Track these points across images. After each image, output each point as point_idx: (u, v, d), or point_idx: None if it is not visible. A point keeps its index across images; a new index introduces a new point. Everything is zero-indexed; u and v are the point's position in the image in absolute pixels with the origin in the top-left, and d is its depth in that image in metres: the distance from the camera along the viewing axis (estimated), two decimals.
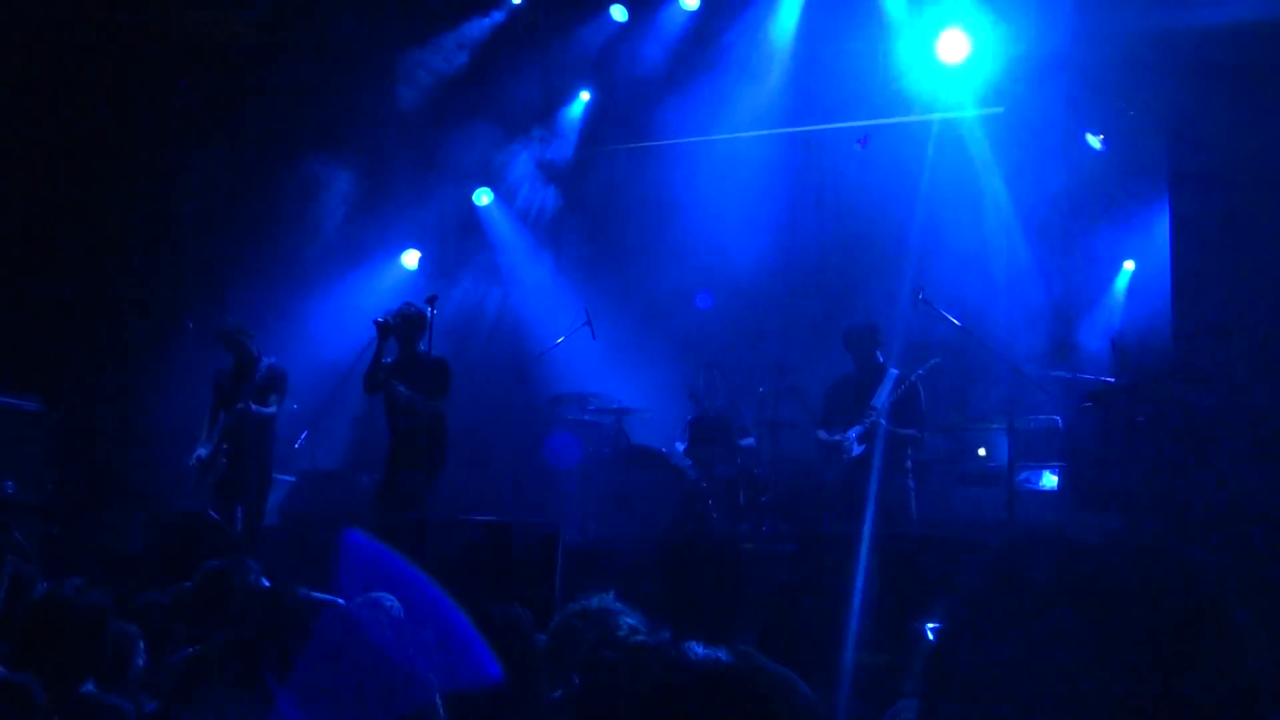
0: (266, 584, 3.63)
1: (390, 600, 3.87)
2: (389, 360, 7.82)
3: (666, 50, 10.56)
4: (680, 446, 9.28)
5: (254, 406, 7.91)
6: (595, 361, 9.99)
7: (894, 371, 7.69)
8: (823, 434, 7.98)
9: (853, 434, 7.68)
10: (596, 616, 3.18)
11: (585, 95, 11.15)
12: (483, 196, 11.34)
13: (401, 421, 7.72)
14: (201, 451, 8.00)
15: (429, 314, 7.92)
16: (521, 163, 11.22)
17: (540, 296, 11.10)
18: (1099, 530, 1.02)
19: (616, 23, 10.73)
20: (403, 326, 7.76)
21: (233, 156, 9.68)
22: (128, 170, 8.93)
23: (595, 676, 2.68)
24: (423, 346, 7.86)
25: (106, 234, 8.86)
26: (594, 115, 11.28)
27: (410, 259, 11.02)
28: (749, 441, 9.19)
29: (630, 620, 3.06)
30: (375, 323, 7.75)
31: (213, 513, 7.10)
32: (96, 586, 2.84)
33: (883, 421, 7.58)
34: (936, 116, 10.06)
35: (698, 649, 2.76)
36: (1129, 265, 9.05)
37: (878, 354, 7.79)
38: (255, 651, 1.91)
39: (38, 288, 8.44)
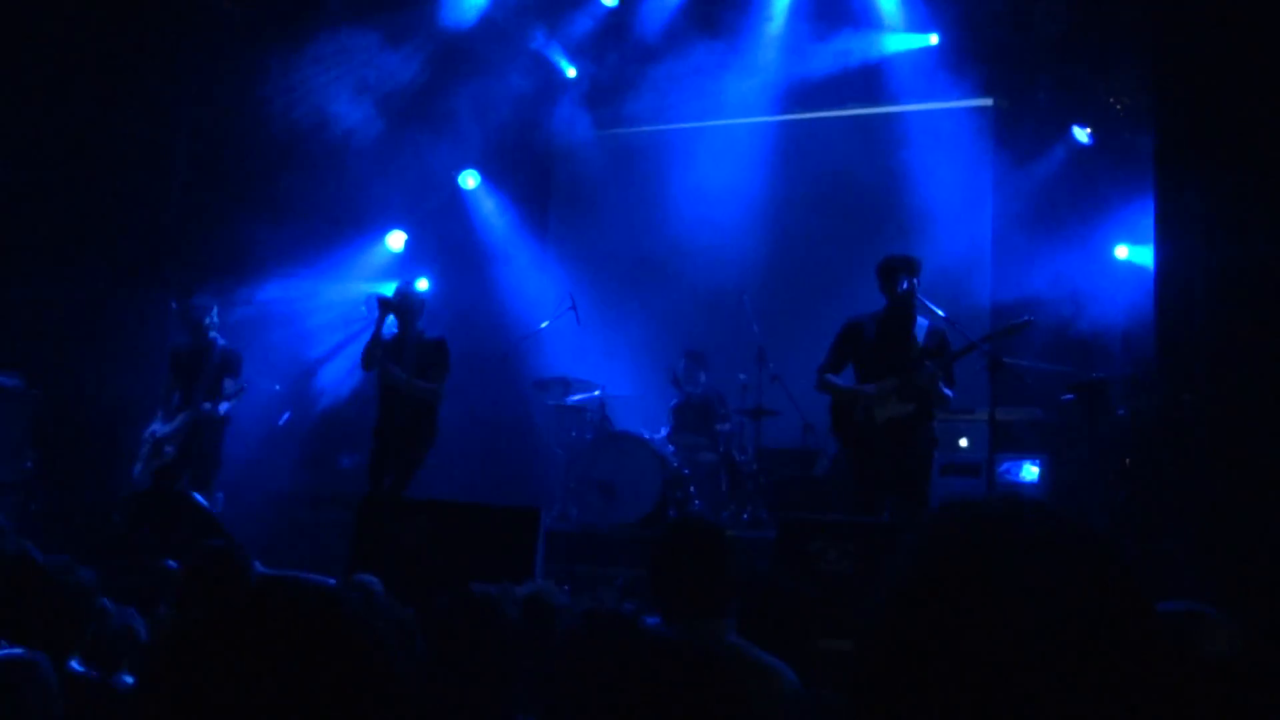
0: (260, 567, 3.63)
1: (373, 581, 3.87)
2: (388, 338, 7.83)
3: (656, 35, 10.53)
4: (663, 432, 9.31)
5: (208, 407, 7.95)
6: (579, 346, 10.00)
7: (924, 321, 6.76)
8: (834, 379, 6.81)
9: (887, 387, 6.63)
10: (537, 603, 3.23)
11: (572, 71, 11.11)
12: (469, 179, 11.33)
13: (395, 402, 7.73)
14: (158, 429, 8.00)
15: (419, 294, 8.00)
16: (508, 146, 11.18)
17: (525, 280, 11.09)
18: (1010, 508, 1.03)
19: (606, 7, 10.70)
20: (403, 305, 7.77)
21: (217, 135, 9.62)
22: (112, 149, 8.87)
23: (567, 650, 2.71)
24: (421, 326, 7.89)
25: (91, 212, 8.80)
26: (582, 99, 11.24)
27: (395, 240, 10.99)
28: (725, 426, 9.23)
29: (601, 601, 3.09)
30: (377, 299, 7.78)
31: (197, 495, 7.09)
32: (81, 563, 2.84)
33: (939, 378, 6.50)
34: (926, 106, 10.11)
35: (656, 627, 2.78)
36: (1122, 252, 9.09)
37: (915, 293, 6.66)
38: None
39: (20, 264, 8.39)
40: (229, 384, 8.08)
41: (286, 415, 9.68)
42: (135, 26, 8.88)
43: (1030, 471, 8.29)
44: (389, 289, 8.13)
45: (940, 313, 6.78)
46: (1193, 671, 1.89)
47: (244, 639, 1.10)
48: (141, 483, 7.84)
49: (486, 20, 10.35)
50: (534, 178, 11.73)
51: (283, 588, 1.14)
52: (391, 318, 7.76)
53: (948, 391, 6.63)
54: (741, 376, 9.23)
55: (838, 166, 10.37)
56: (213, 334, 8.18)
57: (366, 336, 7.84)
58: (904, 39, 10.08)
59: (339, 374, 10.21)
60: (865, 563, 6.17)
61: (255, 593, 1.15)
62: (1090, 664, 0.92)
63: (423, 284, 8.42)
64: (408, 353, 7.74)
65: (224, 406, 8.04)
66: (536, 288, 10.84)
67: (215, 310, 8.26)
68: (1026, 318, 6.88)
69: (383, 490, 7.58)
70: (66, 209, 8.71)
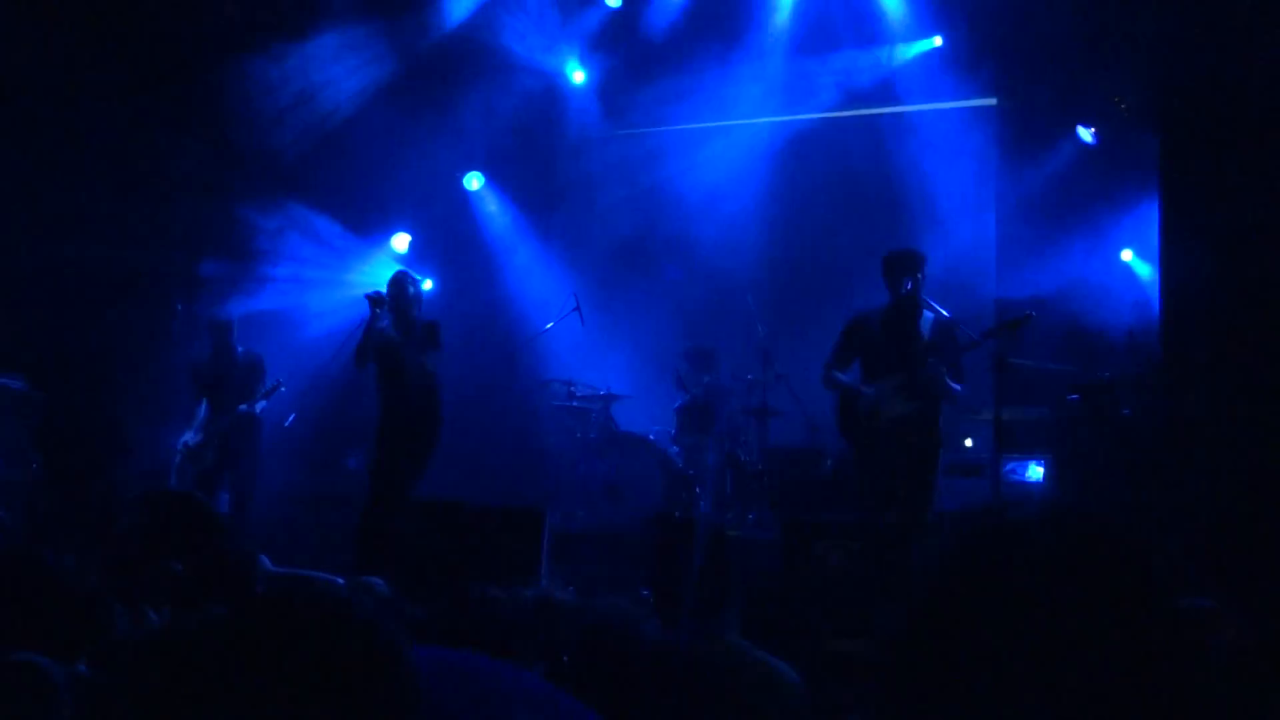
0: (269, 565, 3.63)
1: (378, 583, 3.87)
2: (383, 326, 7.76)
3: (661, 36, 10.53)
4: (659, 430, 9.34)
5: (244, 408, 8.28)
6: (584, 347, 10.01)
7: (929, 315, 6.69)
8: (840, 376, 6.75)
9: (891, 385, 6.59)
10: (547, 604, 3.24)
11: (580, 76, 11.08)
12: (473, 181, 11.33)
13: (398, 402, 7.69)
14: (189, 438, 8.17)
15: (421, 287, 7.98)
16: (512, 147, 11.18)
17: (530, 282, 11.10)
18: (1036, 515, 1.03)
19: (610, 8, 10.69)
20: (396, 297, 7.70)
21: (222, 139, 9.63)
22: (116, 152, 8.88)
23: (571, 657, 2.72)
24: (415, 316, 7.82)
25: (94, 214, 8.82)
26: (587, 100, 11.24)
27: (400, 242, 11.00)
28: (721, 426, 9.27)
29: (601, 604, 3.09)
30: (366, 297, 7.72)
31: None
32: (87, 565, 2.85)
33: (944, 373, 6.45)
34: (931, 107, 10.11)
35: (656, 630, 2.80)
36: (1126, 255, 9.10)
37: (919, 289, 6.61)
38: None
39: (25, 265, 8.41)
40: (258, 389, 8.39)
41: (292, 416, 9.69)
42: (141, 27, 8.89)
43: (1035, 471, 8.29)
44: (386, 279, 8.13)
45: (944, 313, 6.77)
46: (1206, 669, 1.89)
47: (253, 642, 1.11)
48: (183, 485, 8.00)
49: (492, 21, 10.36)
50: (539, 179, 11.72)
51: (292, 592, 1.15)
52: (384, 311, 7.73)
53: (956, 386, 6.61)
54: (748, 377, 9.24)
55: (842, 167, 10.37)
56: (233, 343, 8.45)
57: (359, 335, 7.80)
58: (910, 47, 10.09)
59: (344, 375, 10.21)
60: (870, 564, 6.16)
61: (264, 598, 1.16)
62: (1114, 670, 0.92)
63: (427, 284, 8.40)
64: (405, 336, 7.66)
65: (260, 405, 8.39)
66: (541, 289, 10.84)
67: (235, 322, 8.58)
68: (1029, 313, 6.85)
69: (389, 491, 7.57)
70: (70, 211, 8.72)
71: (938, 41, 10.00)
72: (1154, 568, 0.99)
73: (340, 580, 3.50)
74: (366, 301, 7.64)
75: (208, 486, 8.08)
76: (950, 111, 10.06)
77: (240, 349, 8.47)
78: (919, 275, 6.64)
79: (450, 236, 11.19)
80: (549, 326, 9.64)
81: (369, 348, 7.64)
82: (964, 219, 9.79)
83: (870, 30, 10.09)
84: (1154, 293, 8.33)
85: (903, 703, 0.99)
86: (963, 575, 0.99)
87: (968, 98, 9.95)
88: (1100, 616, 0.94)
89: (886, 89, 10.30)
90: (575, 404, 9.54)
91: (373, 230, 10.82)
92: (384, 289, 7.71)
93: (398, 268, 10.36)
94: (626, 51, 10.69)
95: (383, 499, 7.45)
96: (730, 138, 10.78)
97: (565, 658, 2.73)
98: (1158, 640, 0.95)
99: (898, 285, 6.64)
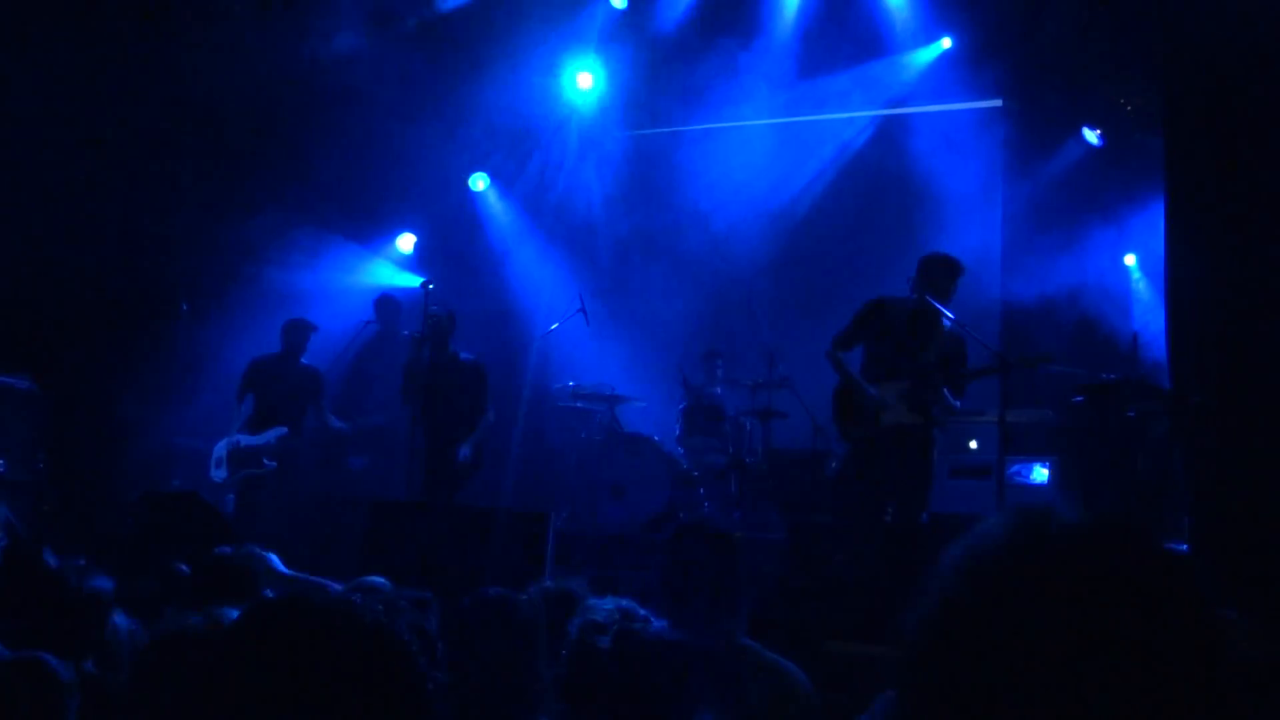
0: (280, 566, 3.64)
1: (382, 584, 3.88)
2: (426, 356, 7.89)
3: (666, 36, 10.52)
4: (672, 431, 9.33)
5: (339, 426, 8.62)
6: (589, 348, 10.00)
7: (947, 323, 6.67)
8: (845, 361, 6.72)
9: (894, 391, 6.60)
10: (564, 598, 3.23)
11: (585, 77, 11.06)
12: (479, 182, 11.33)
13: (442, 435, 7.82)
14: (241, 439, 8.15)
15: (448, 313, 8.12)
16: (518, 148, 11.18)
17: (535, 283, 11.09)
18: (1073, 519, 1.02)
19: (616, 10, 10.68)
20: (434, 331, 7.88)
21: (224, 141, 9.63)
22: (123, 150, 8.89)
23: (580, 656, 2.72)
24: (454, 347, 8.06)
25: (101, 213, 8.82)
26: (594, 101, 11.23)
27: (405, 243, 11.00)
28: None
29: (609, 604, 3.09)
30: (410, 337, 7.93)
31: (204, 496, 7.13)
32: (94, 567, 2.85)
33: (945, 390, 6.55)
34: (937, 108, 10.10)
35: (665, 631, 2.79)
36: (1130, 260, 9.10)
37: (921, 292, 6.54)
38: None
39: (31, 266, 8.41)
40: (325, 404, 8.54)
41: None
42: (148, 30, 8.90)
43: (1040, 473, 8.27)
44: (414, 282, 8.24)
45: (949, 314, 6.76)
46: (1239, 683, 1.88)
47: (262, 644, 1.11)
48: (226, 486, 8.11)
49: (497, 21, 10.35)
50: (544, 180, 11.72)
51: (302, 595, 1.15)
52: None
53: (954, 402, 6.64)
54: (753, 379, 9.24)
55: (848, 168, 10.37)
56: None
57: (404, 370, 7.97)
58: (918, 54, 10.09)
59: (345, 377, 10.21)
60: (870, 565, 6.18)
61: (273, 600, 1.15)
62: (1157, 684, 0.91)
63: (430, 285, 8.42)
64: (448, 377, 7.86)
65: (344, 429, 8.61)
66: (546, 290, 10.84)
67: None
68: (1048, 353, 6.80)
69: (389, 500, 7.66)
70: (74, 210, 8.73)
71: (946, 44, 10.00)
72: (1198, 581, 0.98)
73: (339, 585, 3.50)
74: (410, 339, 7.88)
75: (252, 490, 8.14)
76: (957, 113, 10.05)
77: (304, 361, 8.54)
78: (924, 279, 6.62)
79: (455, 237, 11.19)
80: (554, 327, 9.64)
81: (416, 383, 7.79)
82: (970, 220, 9.76)
83: (877, 31, 10.08)
84: (1151, 305, 8.35)
85: (929, 710, 0.97)
86: (1005, 583, 0.98)
87: (974, 99, 9.94)
88: (1145, 630, 0.93)
89: (893, 91, 10.29)
90: (580, 405, 9.54)
91: (377, 231, 10.83)
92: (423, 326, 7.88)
93: (403, 273, 10.43)
94: (632, 52, 10.67)
95: (389, 503, 7.51)
96: (737, 140, 10.77)
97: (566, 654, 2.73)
98: (1201, 655, 0.94)
99: (929, 295, 6.60)
